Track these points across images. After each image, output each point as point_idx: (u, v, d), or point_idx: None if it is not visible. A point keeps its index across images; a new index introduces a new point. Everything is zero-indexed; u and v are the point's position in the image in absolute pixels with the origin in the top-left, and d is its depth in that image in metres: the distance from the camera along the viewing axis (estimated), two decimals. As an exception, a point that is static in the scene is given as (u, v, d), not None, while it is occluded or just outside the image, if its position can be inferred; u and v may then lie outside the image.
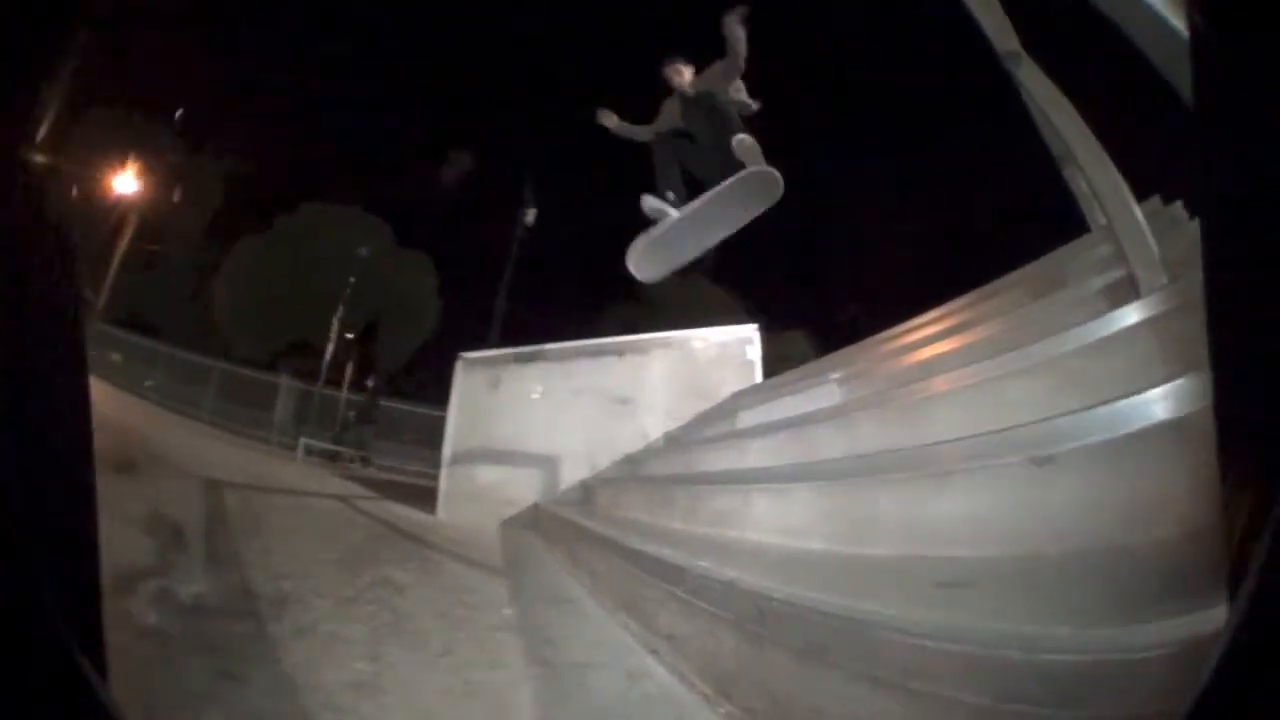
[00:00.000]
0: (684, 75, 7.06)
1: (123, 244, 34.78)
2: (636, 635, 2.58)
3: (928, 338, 4.63)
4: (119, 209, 35.39)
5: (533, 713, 1.87)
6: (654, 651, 2.38)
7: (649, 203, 6.57)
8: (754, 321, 9.11)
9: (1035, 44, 4.01)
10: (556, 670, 2.22)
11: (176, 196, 38.05)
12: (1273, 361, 0.80)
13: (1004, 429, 2.35)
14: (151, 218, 36.98)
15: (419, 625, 2.58)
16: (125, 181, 34.91)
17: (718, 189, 6.38)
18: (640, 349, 8.37)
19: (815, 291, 42.95)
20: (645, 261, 6.48)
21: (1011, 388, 2.60)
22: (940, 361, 3.69)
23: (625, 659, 2.36)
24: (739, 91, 7.05)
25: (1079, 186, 4.68)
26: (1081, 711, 1.11)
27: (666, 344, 8.47)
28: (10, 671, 0.70)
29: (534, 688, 2.05)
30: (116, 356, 29.73)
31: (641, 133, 7.25)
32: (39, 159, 0.81)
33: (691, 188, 6.79)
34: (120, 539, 2.76)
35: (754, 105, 7.04)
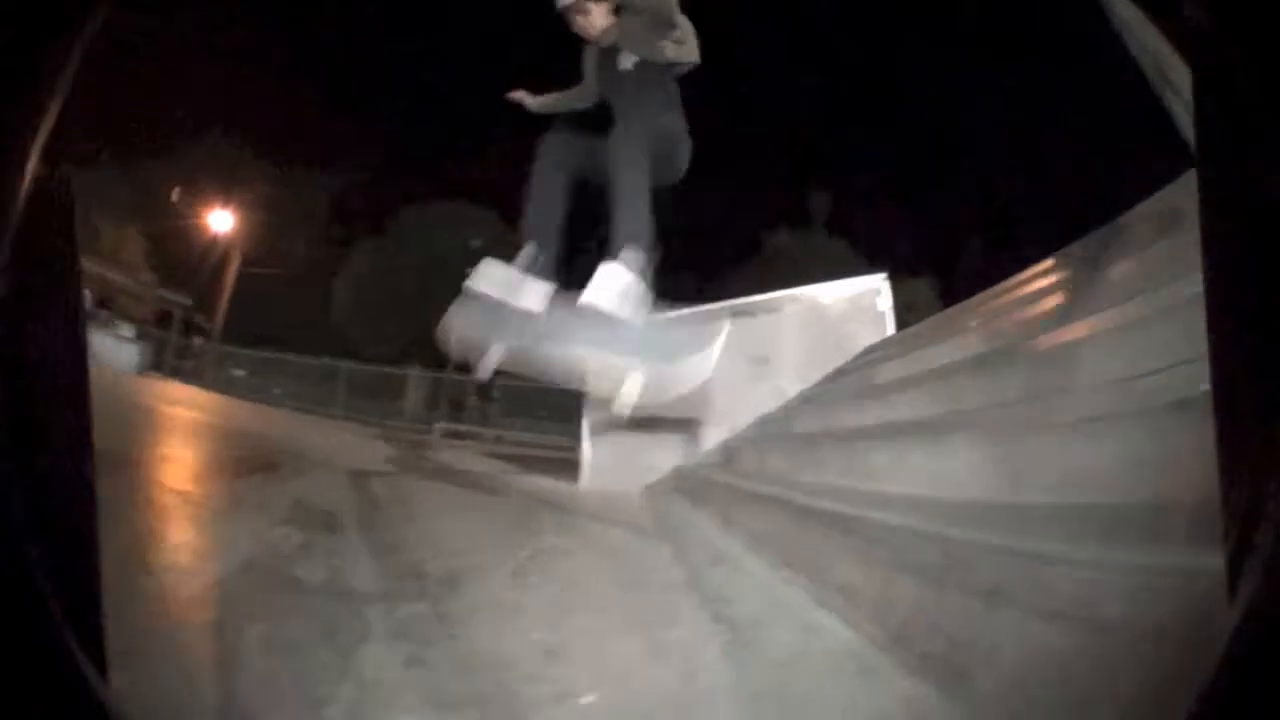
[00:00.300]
0: (591, 15, 5.28)
1: (231, 272, 36.62)
2: (805, 590, 2.60)
3: (1062, 281, 4.49)
4: (223, 242, 37.34)
5: (720, 668, 1.90)
6: (824, 605, 2.40)
7: (486, 273, 4.96)
8: (878, 271, 8.81)
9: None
10: (736, 627, 2.28)
11: (276, 222, 39.94)
12: (1273, 361, 0.79)
13: (1146, 373, 2.28)
14: (258, 243, 38.93)
15: (592, 590, 2.66)
16: (221, 219, 37.01)
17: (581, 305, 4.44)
18: (772, 307, 8.28)
19: (934, 237, 42.12)
20: (466, 328, 4.88)
21: (1152, 330, 2.52)
22: (1077, 305, 3.59)
23: (798, 614, 2.40)
24: (679, 42, 5.18)
25: (1179, 117, 4.46)
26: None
27: (797, 300, 8.34)
28: (10, 671, 0.71)
29: (717, 645, 2.11)
30: (240, 372, 31.29)
31: (558, 102, 5.71)
32: (40, 156, 0.79)
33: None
34: (272, 536, 2.87)
35: (692, 60, 5.27)
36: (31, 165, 0.77)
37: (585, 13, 5.24)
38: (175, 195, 38.05)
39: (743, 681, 1.81)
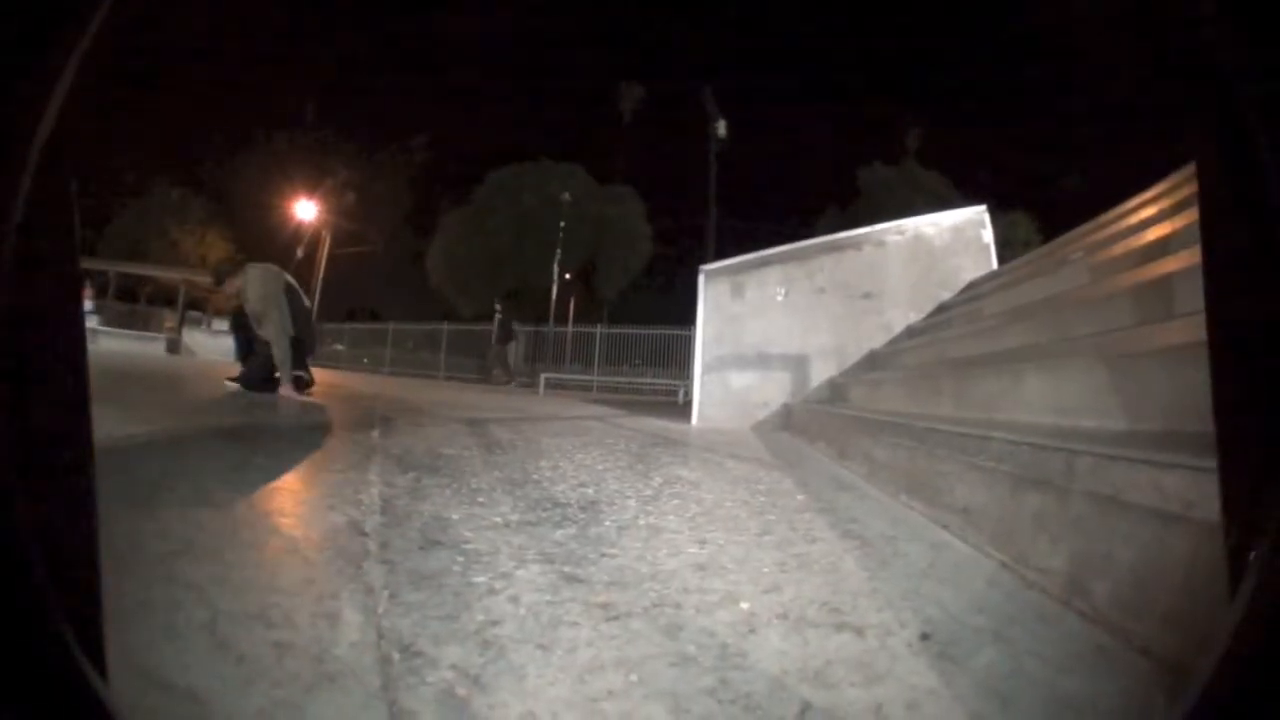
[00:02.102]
0: None
1: (321, 256, 37.42)
2: (925, 513, 2.75)
3: (1162, 211, 4.43)
4: (310, 228, 38.11)
5: (862, 576, 2.02)
6: (946, 526, 2.54)
7: None
8: (977, 202, 8.65)
9: None
10: (868, 543, 2.42)
11: (361, 203, 40.63)
12: (1273, 361, 0.82)
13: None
14: (347, 226, 39.68)
15: (729, 512, 2.77)
16: (305, 208, 37.75)
17: None
18: (876, 240, 8.21)
19: (1030, 168, 40.87)
20: None
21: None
22: (1176, 238, 3.57)
23: (924, 533, 2.56)
24: None
25: None
26: None
27: (901, 232, 8.25)
28: (10, 671, 0.70)
29: (854, 557, 2.24)
30: (339, 346, 32.15)
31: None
32: (40, 156, 0.77)
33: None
34: (402, 480, 2.94)
35: None
36: (32, 165, 0.77)
37: None
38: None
39: (881, 589, 1.92)
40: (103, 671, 0.83)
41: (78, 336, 0.93)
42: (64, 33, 0.77)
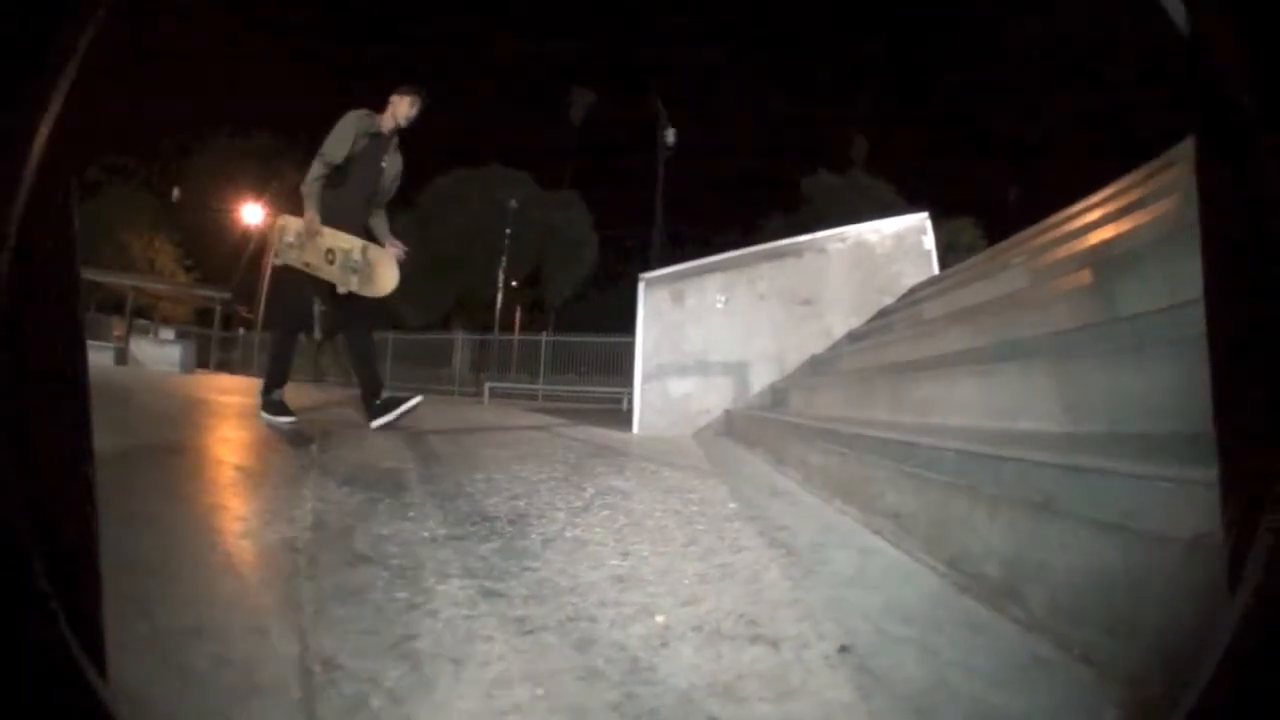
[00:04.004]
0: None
1: (268, 261, 37.22)
2: (857, 519, 2.70)
3: (1105, 217, 4.47)
4: (257, 233, 37.90)
5: (784, 586, 1.98)
6: (878, 532, 2.50)
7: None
8: (920, 210, 8.75)
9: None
10: (795, 551, 2.37)
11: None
12: (1273, 360, 0.81)
13: (1187, 302, 2.31)
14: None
15: (657, 523, 2.73)
16: (252, 212, 37.57)
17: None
18: (818, 248, 8.26)
19: (974, 175, 41.61)
20: None
21: (1194, 265, 2.54)
22: (1121, 240, 3.60)
23: (854, 539, 2.50)
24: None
25: None
26: None
27: (843, 239, 8.32)
28: (10, 671, 0.70)
29: (779, 566, 2.20)
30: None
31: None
32: (40, 156, 0.77)
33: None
34: (337, 496, 2.96)
35: None
36: (32, 164, 0.77)
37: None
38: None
39: (803, 599, 1.87)
40: (103, 671, 0.84)
41: (77, 338, 0.94)
42: (64, 33, 0.77)
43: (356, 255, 5.89)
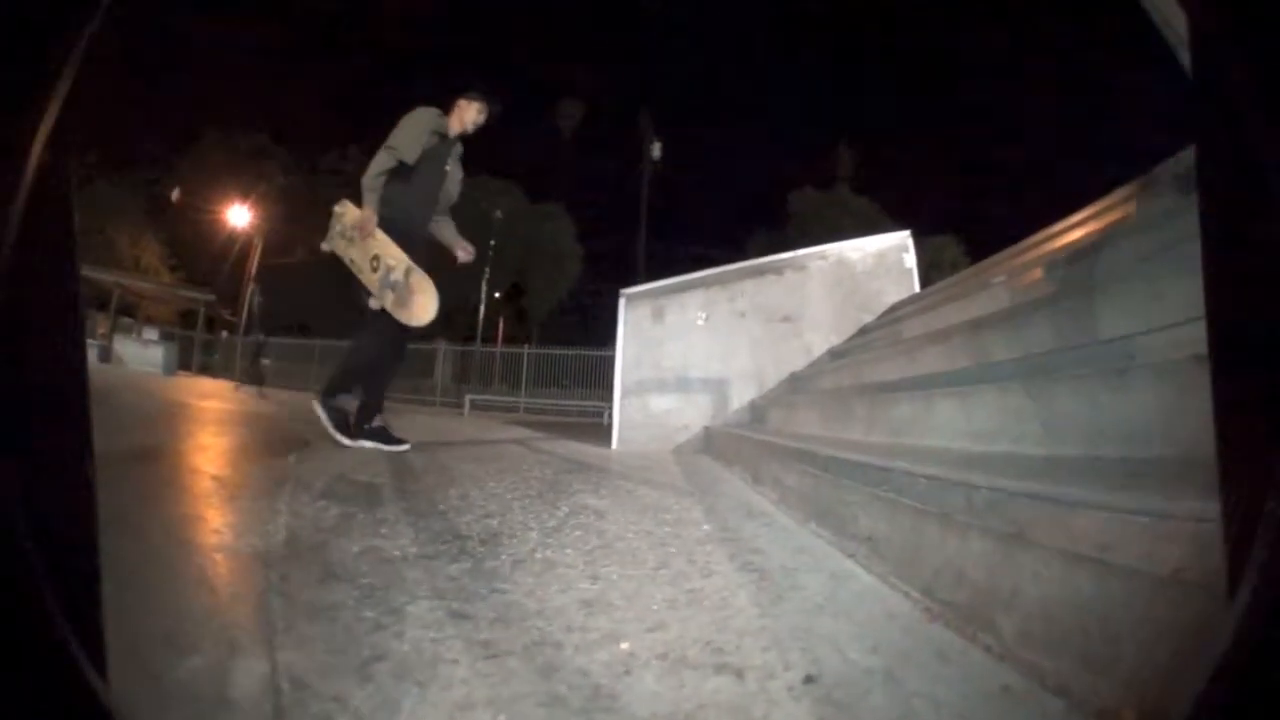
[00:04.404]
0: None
1: (251, 265, 37.04)
2: (831, 541, 2.68)
3: (1087, 236, 4.49)
4: (242, 236, 37.77)
5: (753, 613, 1.96)
6: (851, 555, 2.48)
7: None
8: (902, 228, 8.79)
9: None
10: (767, 575, 2.34)
11: (293, 212, 40.30)
12: (1273, 360, 0.80)
13: (1168, 325, 2.31)
14: (279, 235, 39.37)
15: (628, 545, 2.70)
16: (239, 214, 37.45)
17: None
18: (798, 265, 8.27)
19: (959, 193, 41.98)
20: None
21: (1171, 285, 2.55)
22: (1103, 260, 3.61)
23: (826, 563, 2.48)
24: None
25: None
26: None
27: (824, 257, 8.34)
28: (10, 671, 0.70)
29: (749, 592, 2.17)
30: (267, 361, 31.89)
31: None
32: (40, 155, 0.77)
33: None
34: (311, 511, 2.94)
35: None
36: (32, 164, 0.76)
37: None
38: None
39: (771, 626, 1.86)
40: (103, 671, 0.84)
41: (77, 338, 0.93)
42: (65, 33, 0.77)
43: (399, 274, 5.59)
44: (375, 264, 5.62)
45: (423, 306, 5.64)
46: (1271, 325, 0.80)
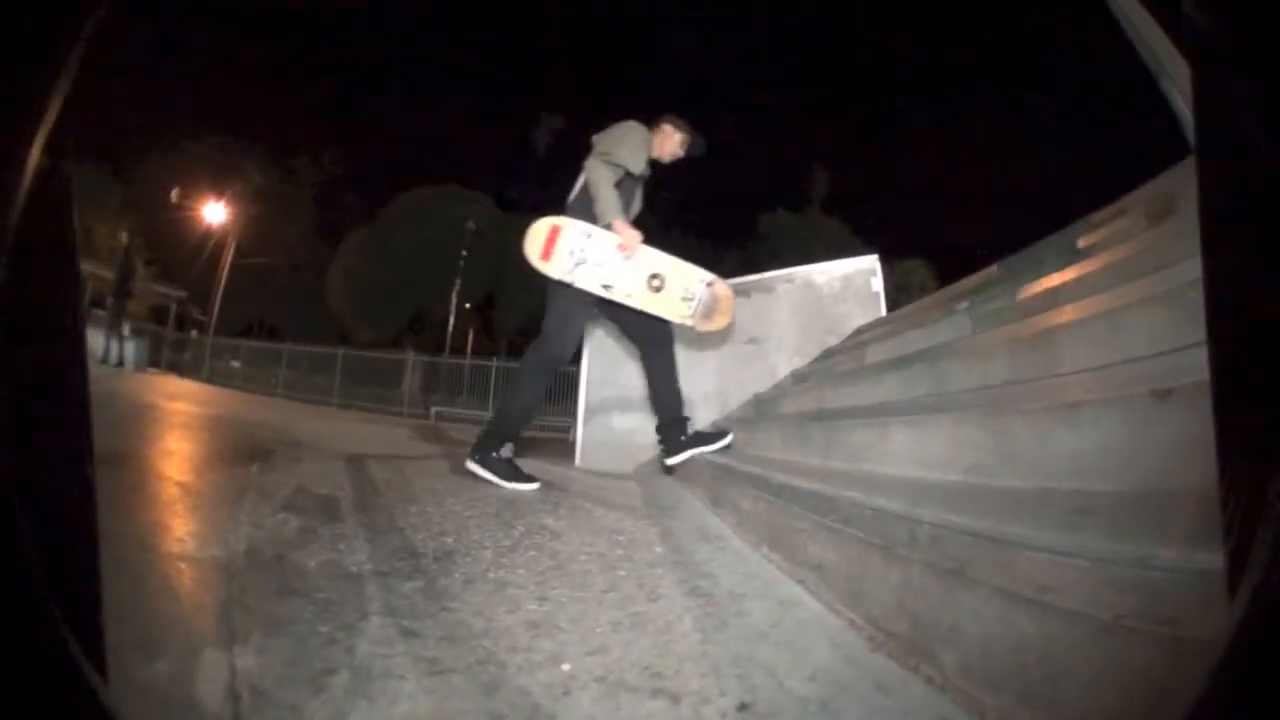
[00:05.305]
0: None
1: (225, 264, 36.67)
2: (782, 567, 2.68)
3: (1049, 267, 4.55)
4: (217, 234, 37.40)
5: (695, 639, 1.98)
6: (801, 581, 2.48)
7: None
8: (872, 251, 8.88)
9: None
10: (714, 600, 2.35)
11: (269, 212, 40.00)
12: (1272, 359, 0.81)
13: (1126, 360, 2.35)
14: (252, 235, 39.03)
15: (580, 567, 2.71)
16: (215, 211, 37.05)
17: None
18: (765, 287, 8.29)
19: (930, 217, 42.29)
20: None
21: (1132, 319, 2.59)
22: (1064, 290, 3.66)
23: (775, 589, 2.48)
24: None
25: (1175, 104, 4.47)
26: (1175, 630, 1.18)
27: (790, 280, 8.36)
28: (10, 672, 0.70)
29: (693, 617, 2.19)
30: (236, 363, 31.54)
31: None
32: (40, 155, 0.78)
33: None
34: (270, 522, 2.94)
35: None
36: (32, 164, 0.77)
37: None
38: (175, 195, 37.94)
39: (712, 652, 1.88)
40: (103, 671, 0.86)
41: (77, 338, 0.96)
42: (65, 33, 0.78)
43: (696, 285, 5.27)
44: (658, 282, 5.18)
45: (724, 314, 5.47)
46: (1271, 325, 0.81)
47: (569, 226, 5.04)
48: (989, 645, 1.53)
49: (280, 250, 40.86)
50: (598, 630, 2.04)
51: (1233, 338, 0.89)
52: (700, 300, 5.28)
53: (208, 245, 38.65)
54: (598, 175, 4.98)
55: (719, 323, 5.45)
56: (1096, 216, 4.99)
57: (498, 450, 4.79)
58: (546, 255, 5.01)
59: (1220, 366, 0.89)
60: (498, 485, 4.59)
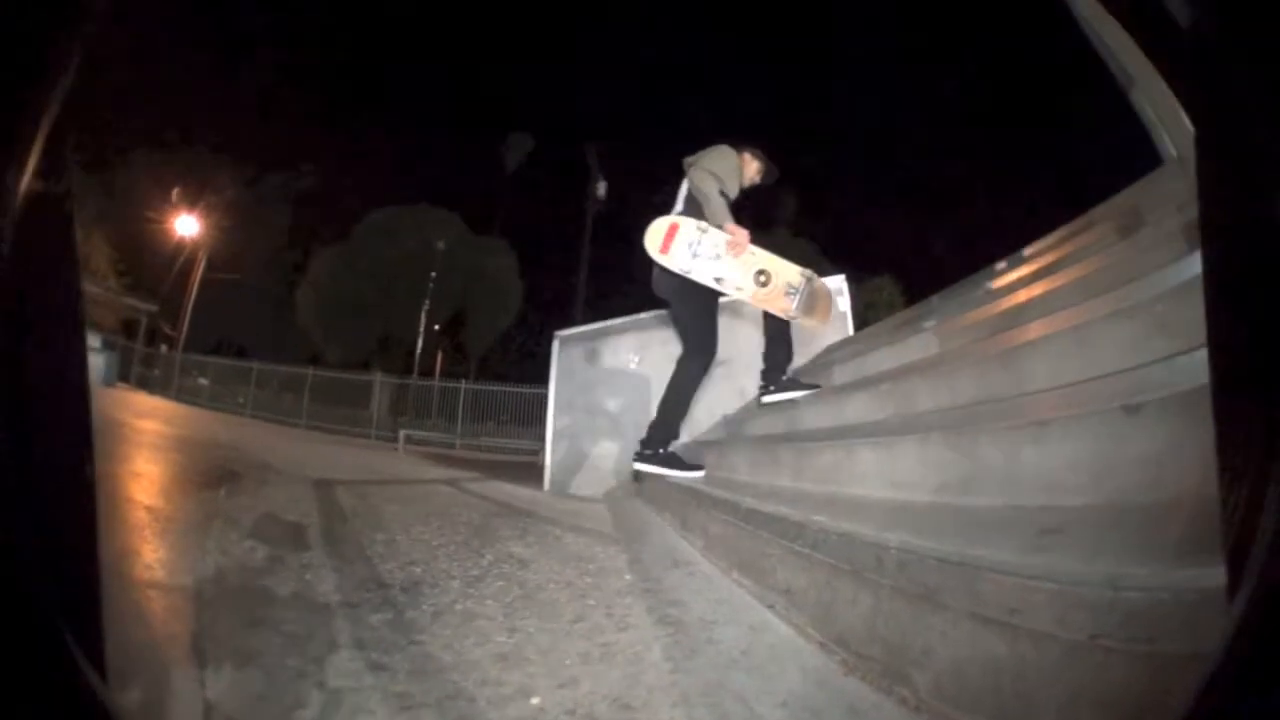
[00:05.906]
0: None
1: (195, 278, 36.26)
2: (753, 592, 2.67)
3: (1018, 280, 4.59)
4: (187, 248, 36.97)
5: (666, 668, 1.97)
6: (771, 606, 2.47)
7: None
8: (839, 271, 8.96)
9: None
10: (684, 628, 2.33)
11: (241, 227, 39.63)
12: (1272, 360, 0.81)
13: (1095, 377, 2.37)
14: (222, 250, 38.63)
15: (549, 596, 2.69)
16: (186, 223, 36.64)
17: None
18: (733, 309, 8.22)
19: (898, 233, 42.46)
20: None
21: (1100, 334, 2.61)
22: (1031, 307, 3.69)
23: (745, 614, 2.47)
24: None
25: (1146, 115, 4.55)
26: (1155, 647, 1.18)
27: (759, 301, 8.33)
28: (10, 671, 0.70)
29: (663, 645, 2.17)
30: (204, 381, 31.14)
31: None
32: (40, 157, 0.78)
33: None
34: (238, 549, 2.92)
35: None
36: (32, 165, 0.77)
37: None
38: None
39: (682, 682, 1.88)
40: (103, 671, 0.87)
41: (77, 342, 0.95)
42: (64, 35, 0.78)
43: (798, 281, 5.56)
44: (764, 278, 5.52)
45: (823, 312, 5.78)
46: (1270, 325, 0.81)
47: (685, 223, 5.38)
48: (961, 667, 1.54)
49: (251, 266, 40.43)
50: (567, 662, 2.02)
51: (1232, 342, 0.90)
52: (801, 294, 5.56)
53: (179, 257, 38.19)
54: (707, 185, 5.26)
55: (819, 318, 5.80)
56: (1059, 232, 5.05)
57: (663, 448, 5.31)
58: (665, 249, 5.34)
59: (1220, 366, 0.90)
60: (670, 476, 5.01)
